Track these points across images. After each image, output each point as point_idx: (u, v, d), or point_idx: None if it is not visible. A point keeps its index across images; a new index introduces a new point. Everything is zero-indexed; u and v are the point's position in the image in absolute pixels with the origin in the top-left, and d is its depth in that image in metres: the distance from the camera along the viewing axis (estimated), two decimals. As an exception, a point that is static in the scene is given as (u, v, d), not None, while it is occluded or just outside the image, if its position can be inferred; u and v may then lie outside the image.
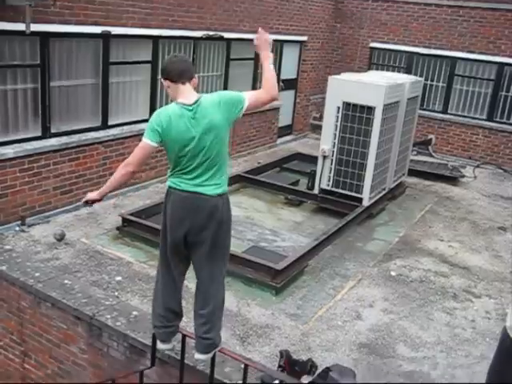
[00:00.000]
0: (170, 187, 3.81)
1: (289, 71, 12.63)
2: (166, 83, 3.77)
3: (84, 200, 4.15)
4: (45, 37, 6.73)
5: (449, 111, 13.01)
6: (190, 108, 3.67)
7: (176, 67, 3.73)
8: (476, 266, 7.13)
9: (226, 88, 10.40)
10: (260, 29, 3.99)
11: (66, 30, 6.91)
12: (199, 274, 3.96)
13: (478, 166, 12.16)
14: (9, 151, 6.55)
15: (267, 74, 3.90)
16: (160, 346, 4.23)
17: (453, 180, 10.85)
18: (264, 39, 3.94)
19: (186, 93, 3.73)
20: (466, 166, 12.00)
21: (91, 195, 4.16)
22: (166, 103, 9.01)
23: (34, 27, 6.31)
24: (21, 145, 6.75)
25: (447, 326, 5.62)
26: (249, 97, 3.88)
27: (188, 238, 3.80)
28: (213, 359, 4.06)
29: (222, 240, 3.86)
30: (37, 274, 5.50)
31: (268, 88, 3.95)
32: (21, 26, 6.17)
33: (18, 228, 6.73)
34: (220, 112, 3.72)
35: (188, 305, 4.88)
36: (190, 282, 4.82)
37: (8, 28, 6.25)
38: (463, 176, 11.03)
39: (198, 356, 4.04)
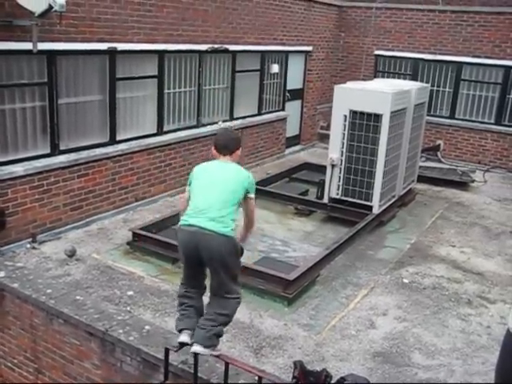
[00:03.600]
0: None
1: (295, 81, 12.67)
2: (213, 150, 4.42)
3: None
4: (52, 55, 6.80)
5: (456, 116, 12.96)
6: None
7: (221, 141, 4.40)
8: (489, 271, 7.07)
9: (232, 100, 10.44)
10: None
11: (72, 47, 6.98)
12: None
13: (487, 171, 12.08)
14: (19, 169, 6.59)
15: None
16: (179, 338, 4.17)
17: (463, 185, 10.78)
18: None
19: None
20: (475, 171, 11.93)
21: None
22: (173, 117, 9.08)
23: (41, 46, 6.38)
24: (30, 162, 6.80)
25: (462, 333, 5.56)
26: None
27: None
28: (226, 372, 4.03)
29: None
30: (49, 291, 5.51)
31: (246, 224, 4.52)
32: (28, 45, 6.23)
33: (29, 245, 6.76)
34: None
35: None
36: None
37: (15, 47, 6.32)
38: (473, 181, 10.96)
39: (193, 348, 4.06)
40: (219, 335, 4.17)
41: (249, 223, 4.46)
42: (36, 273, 5.99)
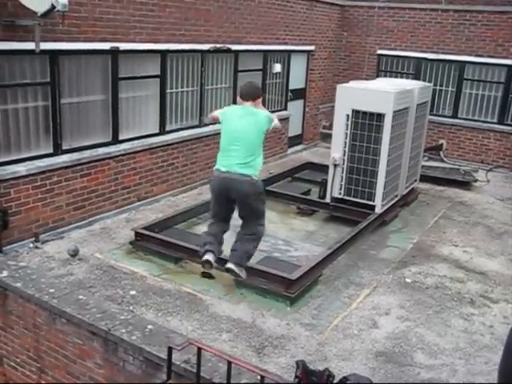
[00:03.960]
0: None
1: (297, 81, 12.66)
2: (238, 99, 5.55)
3: None
4: (54, 55, 6.81)
5: (459, 116, 12.95)
6: None
7: (244, 90, 5.50)
8: (492, 270, 7.06)
9: (234, 99, 10.43)
10: None
11: (74, 47, 6.99)
12: None
13: (490, 170, 12.06)
14: (21, 169, 6.61)
15: None
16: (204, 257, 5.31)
17: (465, 185, 10.77)
18: None
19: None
20: (478, 170, 11.91)
21: None
22: (176, 117, 9.10)
23: (44, 46, 6.38)
24: (33, 162, 6.81)
25: (465, 333, 5.55)
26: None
27: None
28: (228, 371, 4.04)
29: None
30: (51, 290, 5.52)
31: None
32: (30, 45, 6.24)
33: (32, 245, 6.77)
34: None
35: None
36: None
37: (18, 47, 6.33)
38: (476, 180, 10.95)
39: (227, 265, 5.35)
40: (249, 256, 5.44)
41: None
42: (39, 272, 5.99)
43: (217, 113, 5.66)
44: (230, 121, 5.35)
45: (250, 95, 5.41)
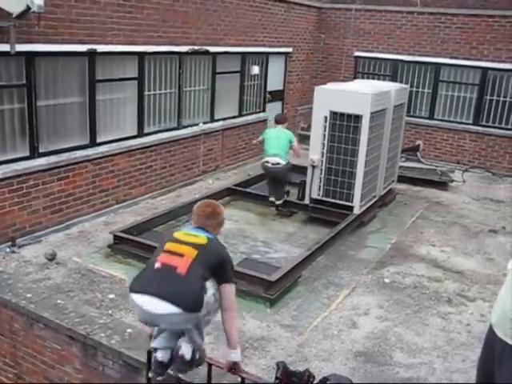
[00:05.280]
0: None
1: (275, 83, 12.70)
2: (274, 123, 9.10)
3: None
4: (30, 56, 6.72)
5: (435, 117, 13.12)
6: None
7: (276, 117, 9.07)
8: (469, 269, 7.16)
9: (213, 102, 10.45)
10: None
11: (51, 49, 6.91)
12: None
13: (466, 170, 12.24)
14: (-3, 172, 6.52)
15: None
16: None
17: (442, 185, 10.90)
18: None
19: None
20: (454, 171, 12.08)
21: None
22: (154, 119, 9.06)
23: (19, 47, 6.31)
24: (9, 165, 6.72)
25: (443, 331, 5.62)
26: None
27: None
28: (209, 373, 4.03)
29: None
30: (29, 295, 5.45)
31: None
32: (5, 47, 6.16)
33: (8, 249, 6.67)
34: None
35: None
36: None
37: (-7, 49, 6.25)
38: (452, 180, 11.10)
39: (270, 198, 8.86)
40: (283, 195, 8.76)
41: (296, 153, 8.87)
42: (16, 277, 5.92)
43: (260, 137, 9.18)
44: (269, 135, 8.77)
45: (280, 120, 8.91)
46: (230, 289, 3.76)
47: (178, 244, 3.71)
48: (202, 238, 3.74)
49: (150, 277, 3.65)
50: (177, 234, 3.82)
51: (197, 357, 3.84)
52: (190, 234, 3.80)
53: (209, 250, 3.68)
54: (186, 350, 3.75)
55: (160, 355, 3.83)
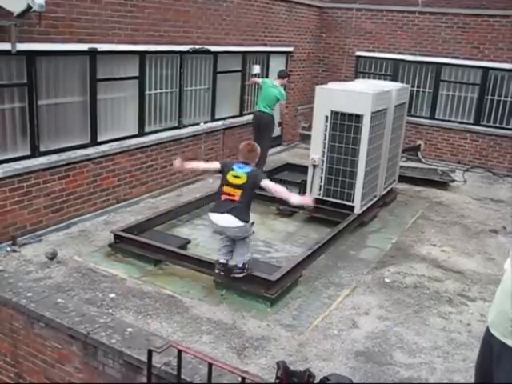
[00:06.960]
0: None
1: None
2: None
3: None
4: (31, 56, 6.73)
5: (436, 117, 13.11)
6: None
7: (278, 72, 10.66)
8: (469, 269, 7.15)
9: (214, 101, 10.45)
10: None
11: (52, 48, 6.91)
12: None
13: (467, 170, 12.24)
14: (-2, 171, 6.52)
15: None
16: None
17: (443, 185, 10.90)
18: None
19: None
20: (455, 171, 12.08)
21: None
22: (155, 118, 9.06)
23: (20, 46, 6.31)
24: (10, 164, 6.72)
25: (443, 331, 5.62)
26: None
27: None
28: (209, 373, 4.03)
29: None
30: (29, 294, 5.44)
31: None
32: (6, 46, 6.17)
33: (9, 248, 6.68)
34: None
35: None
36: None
37: (-6, 48, 6.25)
38: (453, 180, 11.09)
39: None
40: (265, 152, 9.84)
41: (281, 108, 10.36)
42: (16, 276, 5.92)
43: (260, 81, 10.65)
44: (263, 88, 10.29)
45: (279, 75, 10.50)
46: (267, 182, 5.86)
47: (230, 187, 5.76)
48: (243, 178, 5.73)
49: (221, 204, 5.78)
50: (229, 178, 5.77)
51: (246, 266, 5.97)
52: (236, 175, 5.76)
53: (249, 181, 5.73)
54: (239, 259, 5.96)
55: (222, 259, 6.01)
